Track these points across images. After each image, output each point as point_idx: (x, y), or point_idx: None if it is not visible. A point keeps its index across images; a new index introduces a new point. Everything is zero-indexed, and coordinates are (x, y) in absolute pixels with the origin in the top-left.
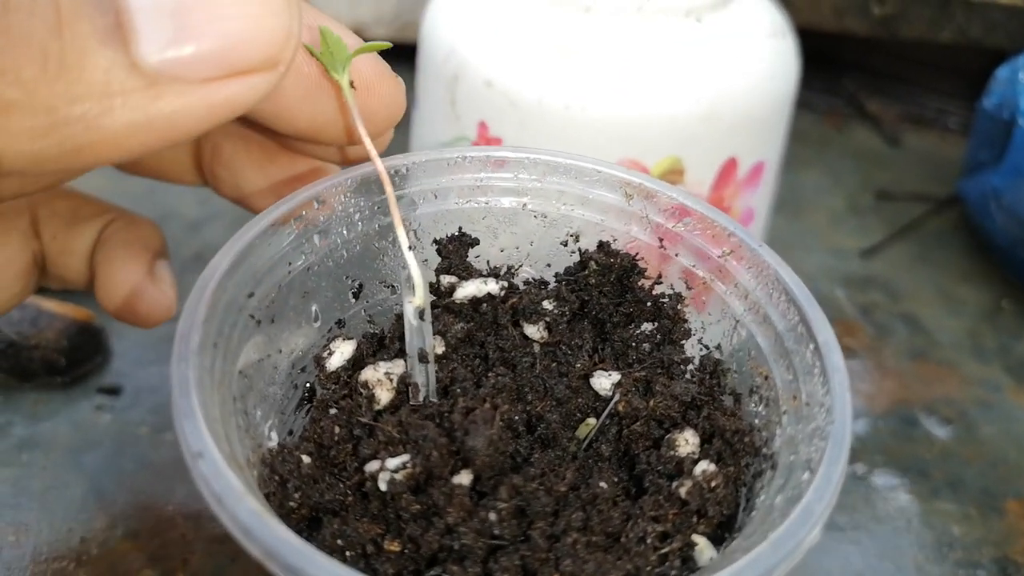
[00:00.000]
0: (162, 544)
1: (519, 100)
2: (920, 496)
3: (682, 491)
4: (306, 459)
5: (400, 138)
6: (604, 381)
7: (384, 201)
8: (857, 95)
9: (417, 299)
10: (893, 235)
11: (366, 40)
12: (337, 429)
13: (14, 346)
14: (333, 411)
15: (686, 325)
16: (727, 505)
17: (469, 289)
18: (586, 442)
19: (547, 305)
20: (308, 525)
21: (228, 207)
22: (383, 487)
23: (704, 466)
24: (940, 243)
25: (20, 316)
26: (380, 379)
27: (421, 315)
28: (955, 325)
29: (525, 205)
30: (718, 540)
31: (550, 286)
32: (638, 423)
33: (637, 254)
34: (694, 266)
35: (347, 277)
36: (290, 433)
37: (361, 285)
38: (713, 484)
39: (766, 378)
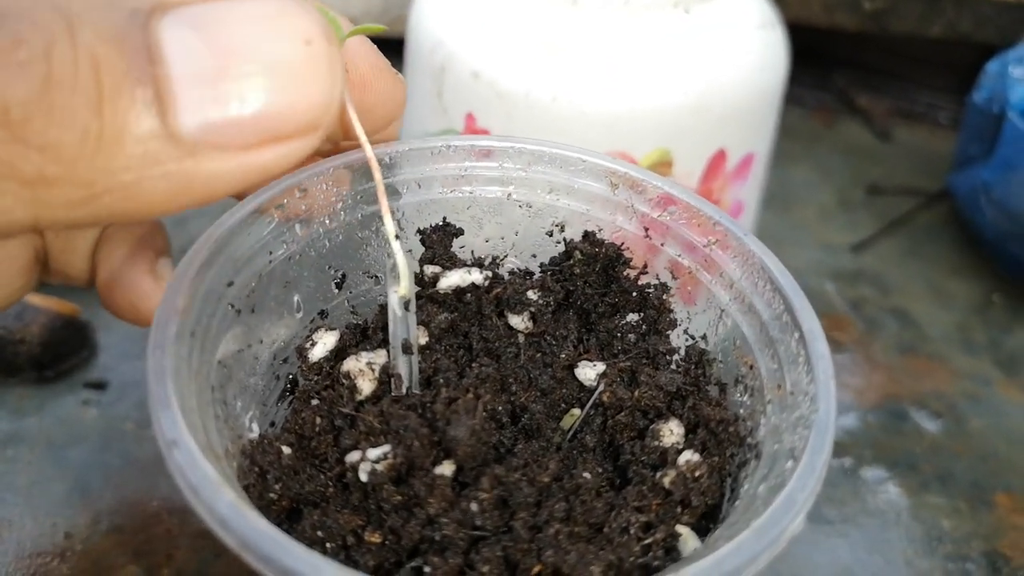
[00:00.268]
0: (147, 539)
1: (506, 92)
2: (909, 490)
3: (666, 481)
4: (287, 450)
5: None
6: (589, 371)
7: (367, 190)
8: (847, 90)
9: (402, 289)
10: (883, 229)
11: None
12: (318, 420)
13: None
14: (315, 402)
15: (671, 315)
16: (711, 495)
17: (453, 279)
18: (570, 433)
19: (532, 295)
20: (288, 517)
21: None
22: (364, 478)
23: (688, 456)
24: (930, 237)
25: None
26: (362, 369)
27: (406, 305)
28: (945, 319)
29: (510, 195)
30: (702, 530)
31: (535, 276)
32: (623, 413)
33: (622, 244)
34: (680, 256)
35: (330, 267)
36: (272, 424)
37: (344, 275)
38: (697, 474)
39: (751, 367)
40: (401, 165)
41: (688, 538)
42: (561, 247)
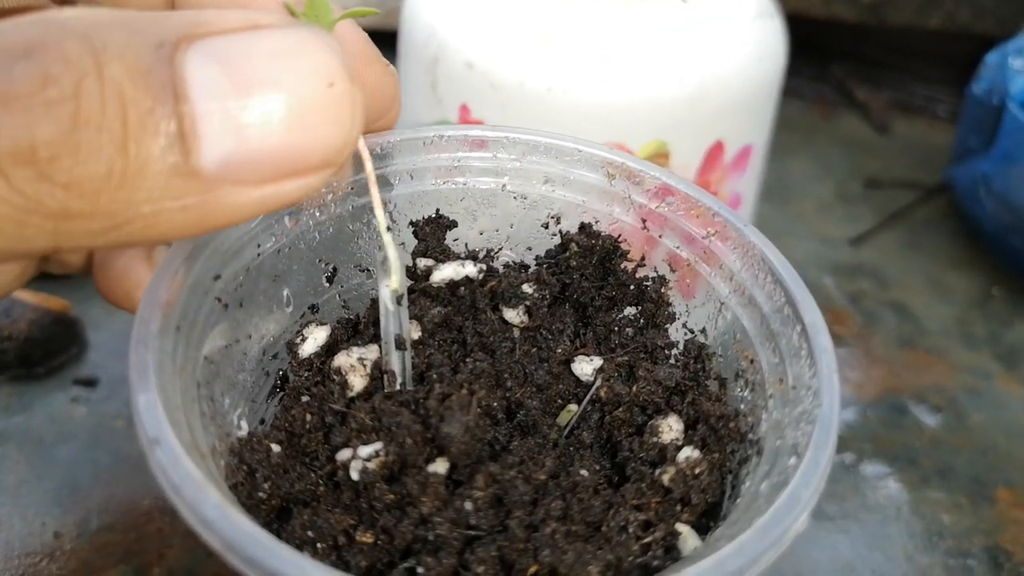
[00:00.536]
0: (137, 538)
1: (500, 82)
2: (910, 485)
3: (665, 478)
4: (276, 448)
5: None
6: (586, 366)
7: (358, 182)
8: (845, 83)
9: (394, 282)
10: (882, 223)
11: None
12: (309, 417)
13: None
14: (305, 398)
15: (670, 308)
16: (711, 492)
17: (446, 272)
18: (567, 429)
19: (527, 289)
20: (278, 516)
21: None
22: (355, 476)
23: (688, 452)
24: (929, 231)
25: None
26: (353, 365)
27: (399, 300)
28: (944, 313)
29: (504, 186)
30: (703, 528)
31: (530, 269)
32: (620, 409)
33: (619, 236)
34: (678, 247)
35: (320, 260)
36: (262, 422)
37: (335, 269)
38: (697, 471)
39: (752, 361)
40: (393, 155)
41: (688, 537)
42: (557, 239)
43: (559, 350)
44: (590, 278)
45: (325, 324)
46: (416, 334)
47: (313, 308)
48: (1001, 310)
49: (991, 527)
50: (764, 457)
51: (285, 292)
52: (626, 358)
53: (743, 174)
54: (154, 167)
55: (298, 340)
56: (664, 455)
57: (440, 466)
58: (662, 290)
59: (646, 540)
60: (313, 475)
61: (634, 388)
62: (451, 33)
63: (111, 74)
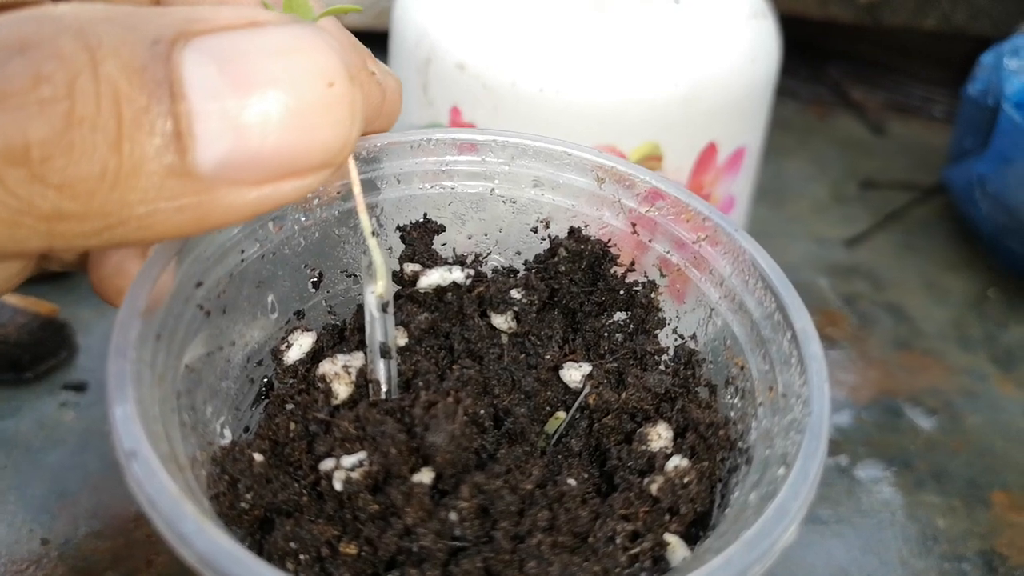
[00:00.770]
0: (126, 544)
1: (492, 83)
2: (904, 488)
3: (653, 488)
4: (258, 457)
5: None
6: (574, 373)
7: (345, 186)
8: (841, 83)
9: (380, 288)
10: (877, 224)
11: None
12: (293, 425)
13: None
14: (290, 406)
15: (660, 314)
16: (701, 502)
17: (433, 277)
18: (555, 437)
19: (515, 294)
20: (260, 527)
21: None
22: (338, 487)
23: (677, 461)
24: (925, 232)
25: None
26: (338, 372)
27: (384, 307)
28: (940, 314)
29: (493, 190)
30: (692, 539)
31: (519, 274)
32: (609, 416)
33: (609, 240)
34: (668, 252)
35: (306, 266)
36: (246, 430)
37: (321, 274)
38: (686, 480)
39: (742, 368)
40: (380, 159)
41: (677, 547)
42: (546, 244)
43: (548, 356)
44: (579, 283)
45: (311, 330)
46: (402, 341)
47: (299, 314)
48: (997, 312)
49: (987, 531)
50: (753, 466)
51: (270, 298)
52: (615, 364)
53: (737, 176)
54: (149, 167)
55: (283, 347)
56: (653, 464)
57: (425, 476)
58: (652, 295)
59: (634, 551)
60: (296, 485)
61: (623, 395)
62: (442, 34)
63: (106, 72)
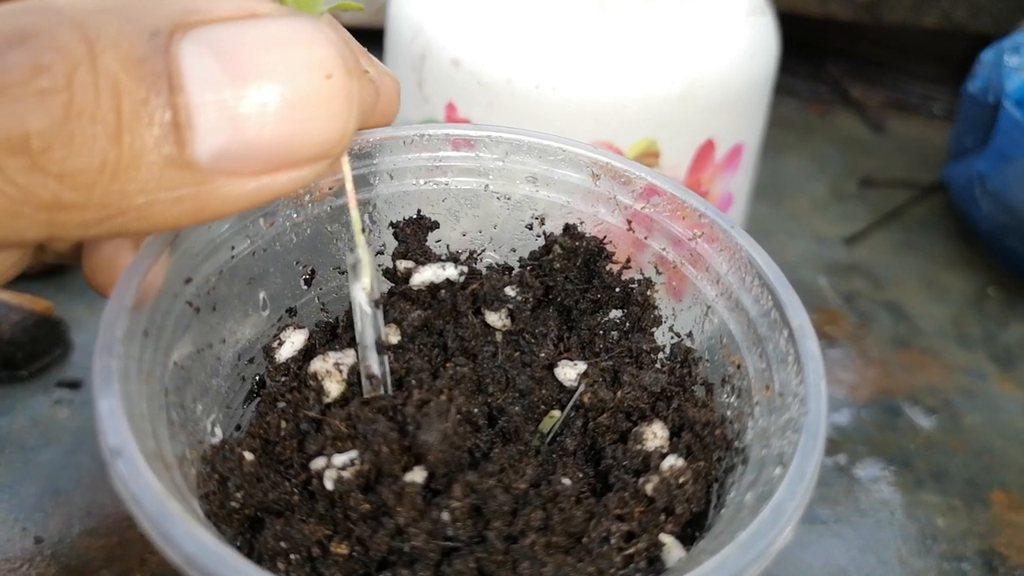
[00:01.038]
0: (120, 543)
1: (487, 80)
2: (904, 487)
3: (649, 488)
4: (249, 456)
5: None
6: (569, 371)
7: (337, 182)
8: (841, 81)
9: (366, 283)
10: (877, 222)
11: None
12: (284, 424)
13: None
14: (281, 404)
15: (656, 312)
16: (696, 502)
17: (426, 274)
18: (550, 436)
19: (509, 291)
20: (251, 526)
21: None
22: (329, 486)
23: (672, 461)
24: (925, 230)
25: None
26: (329, 370)
27: (376, 303)
28: (940, 313)
29: (487, 186)
30: (687, 539)
31: (513, 271)
32: (605, 415)
33: (605, 237)
34: (664, 250)
35: (298, 263)
36: (237, 428)
37: (313, 271)
38: (681, 480)
39: (739, 367)
40: (373, 155)
41: (672, 548)
42: (541, 241)
43: (542, 354)
44: (574, 280)
45: (303, 328)
46: (395, 338)
47: (291, 311)
48: (997, 310)
49: (986, 530)
50: (750, 466)
51: (261, 295)
52: (611, 362)
53: (734, 173)
54: (148, 158)
55: (275, 344)
56: (648, 463)
57: (417, 475)
58: (648, 293)
59: (629, 551)
60: (287, 484)
61: (619, 393)
62: (438, 30)
63: (105, 64)
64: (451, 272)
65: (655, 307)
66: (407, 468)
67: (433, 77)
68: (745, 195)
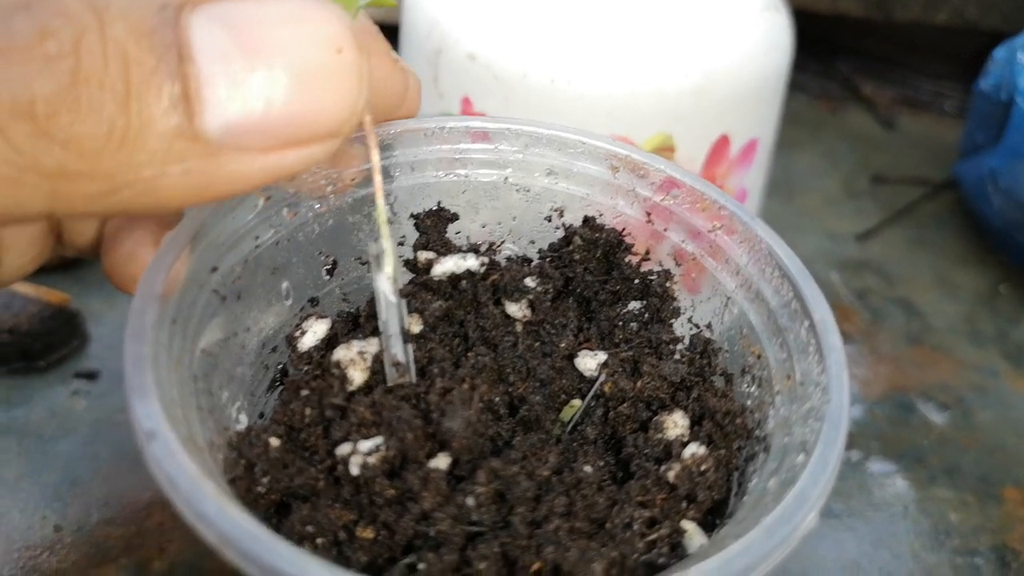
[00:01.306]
0: (138, 532)
1: (503, 74)
2: (917, 483)
3: (670, 475)
4: (275, 442)
5: None
6: (589, 361)
7: (359, 173)
8: (852, 78)
9: (389, 270)
10: (889, 219)
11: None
12: (308, 411)
13: None
14: (304, 392)
15: (675, 303)
16: (718, 489)
17: (447, 265)
18: (570, 425)
19: (530, 282)
20: (277, 511)
21: None
22: (355, 471)
23: (693, 449)
24: (936, 227)
25: None
26: (353, 359)
27: (400, 292)
28: (951, 310)
29: (507, 178)
30: (708, 526)
31: (533, 263)
32: (625, 405)
33: (624, 229)
34: (683, 241)
35: (320, 253)
36: (261, 415)
37: (335, 261)
38: (703, 468)
39: (759, 357)
40: (394, 147)
41: (694, 534)
42: (560, 232)
43: (562, 344)
44: (594, 272)
45: (325, 317)
46: (417, 328)
47: (313, 301)
48: (1008, 307)
49: (998, 526)
50: (772, 454)
51: (284, 285)
52: (630, 353)
53: (749, 168)
54: (157, 128)
55: (297, 333)
56: (669, 451)
57: (441, 461)
58: (667, 284)
59: (651, 537)
60: (313, 470)
61: (639, 383)
62: (453, 24)
63: (114, 33)
64: (472, 263)
65: (674, 299)
66: (431, 454)
67: (449, 71)
68: (759, 191)
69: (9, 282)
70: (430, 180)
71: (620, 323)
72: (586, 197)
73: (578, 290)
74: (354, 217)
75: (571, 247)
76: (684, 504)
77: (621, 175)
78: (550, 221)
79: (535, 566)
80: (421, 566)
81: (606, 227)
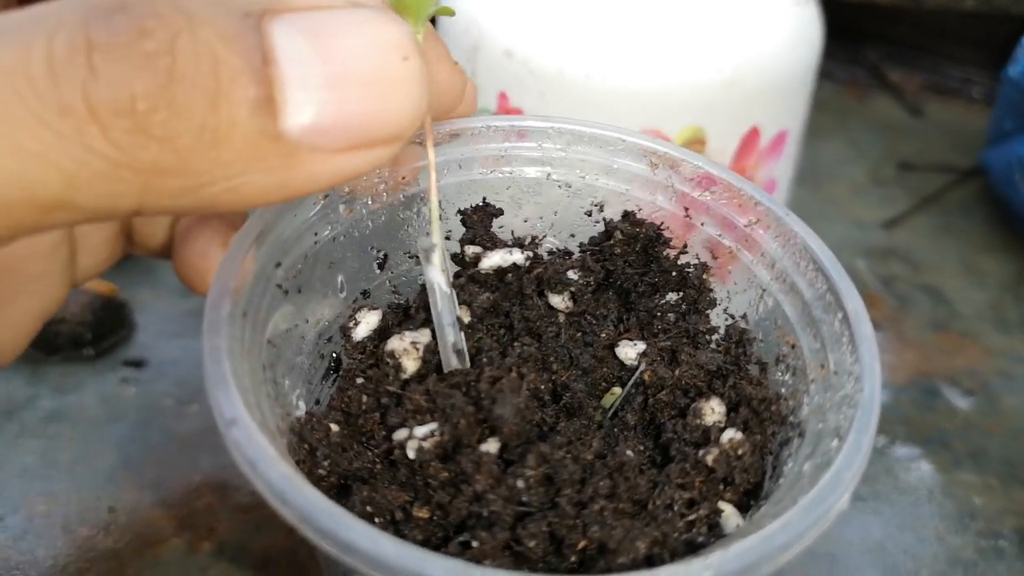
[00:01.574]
0: (189, 513)
1: (539, 70)
2: (942, 467)
3: (709, 459)
4: (334, 427)
5: None
6: (629, 351)
7: (411, 171)
8: (879, 65)
9: (440, 260)
10: (916, 206)
11: None
12: (364, 398)
13: None
14: (360, 380)
15: (711, 295)
16: (754, 473)
17: (494, 259)
18: (612, 411)
19: (572, 275)
20: (337, 493)
21: None
22: (411, 455)
23: (731, 434)
24: (963, 214)
25: None
26: (406, 348)
27: (452, 278)
28: (978, 297)
29: (549, 175)
30: (744, 508)
31: (574, 256)
32: (664, 392)
33: (662, 224)
34: (719, 235)
35: (372, 248)
36: (317, 402)
37: (386, 256)
38: (740, 452)
39: (793, 347)
40: (443, 145)
41: (731, 515)
42: (600, 227)
43: (603, 335)
44: (633, 265)
45: (377, 309)
46: (465, 319)
47: (365, 293)
48: None
49: (1022, 509)
50: (806, 439)
51: (339, 278)
52: (669, 343)
53: (779, 159)
54: (243, 128)
55: (351, 324)
56: (707, 436)
57: (492, 446)
58: (704, 277)
59: (691, 518)
60: (370, 454)
61: (677, 372)
62: (490, 21)
63: (203, 35)
64: (518, 257)
65: (710, 290)
66: (482, 439)
67: (485, 67)
68: (788, 181)
69: (82, 282)
70: (476, 177)
71: (659, 314)
72: (626, 192)
73: (618, 282)
74: (404, 214)
75: (612, 241)
76: (722, 486)
77: (660, 171)
78: (590, 216)
79: (581, 544)
80: (474, 544)
81: (645, 221)
